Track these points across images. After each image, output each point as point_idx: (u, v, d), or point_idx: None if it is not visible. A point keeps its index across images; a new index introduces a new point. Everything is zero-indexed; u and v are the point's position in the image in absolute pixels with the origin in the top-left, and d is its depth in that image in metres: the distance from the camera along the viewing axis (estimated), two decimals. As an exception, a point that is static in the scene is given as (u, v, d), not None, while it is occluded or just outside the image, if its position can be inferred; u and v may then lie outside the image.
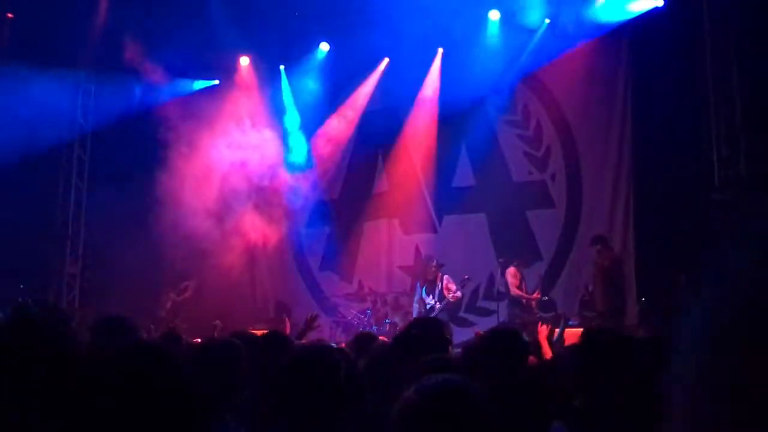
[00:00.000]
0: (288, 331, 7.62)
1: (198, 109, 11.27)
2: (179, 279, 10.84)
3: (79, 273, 11.57)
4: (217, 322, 8.07)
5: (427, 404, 1.61)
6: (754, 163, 8.59)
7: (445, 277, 9.46)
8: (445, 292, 9.33)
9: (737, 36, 8.83)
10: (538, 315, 8.90)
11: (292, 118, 12.02)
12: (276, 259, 12.22)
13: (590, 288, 9.15)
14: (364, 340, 3.87)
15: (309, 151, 11.90)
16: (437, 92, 11.38)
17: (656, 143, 9.36)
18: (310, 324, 5.49)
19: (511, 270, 9.31)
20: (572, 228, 10.32)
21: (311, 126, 11.99)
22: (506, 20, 10.76)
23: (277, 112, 11.98)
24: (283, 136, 11.86)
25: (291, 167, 11.75)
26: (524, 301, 9.23)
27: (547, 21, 10.47)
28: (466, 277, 9.63)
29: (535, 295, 9.34)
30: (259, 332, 9.54)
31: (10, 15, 10.79)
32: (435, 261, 9.77)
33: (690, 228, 9.10)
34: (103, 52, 10.78)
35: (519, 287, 9.25)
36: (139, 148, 10.85)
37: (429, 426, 1.60)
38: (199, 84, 12.10)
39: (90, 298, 11.20)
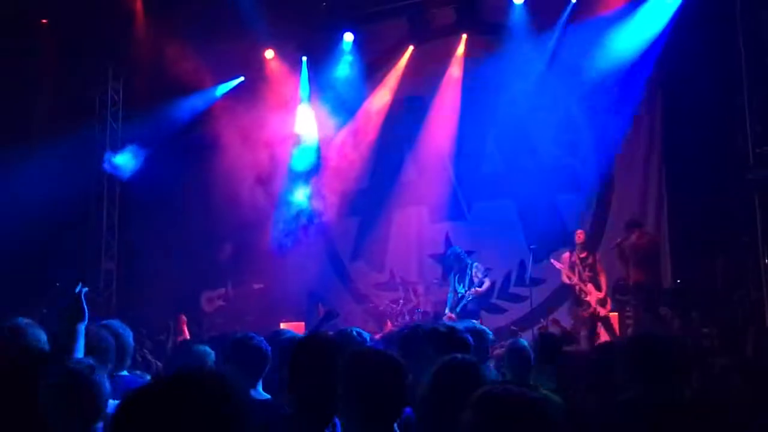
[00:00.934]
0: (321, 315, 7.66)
1: (231, 109, 11.44)
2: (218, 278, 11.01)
3: (115, 269, 11.78)
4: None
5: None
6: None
7: (475, 265, 9.42)
8: (475, 280, 9.31)
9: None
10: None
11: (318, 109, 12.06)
12: (307, 250, 12.30)
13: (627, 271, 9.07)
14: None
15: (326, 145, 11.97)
16: (463, 78, 11.28)
17: (688, 123, 9.17)
18: (328, 318, 5.53)
19: (564, 256, 9.26)
20: (603, 213, 10.19)
21: (339, 116, 12.04)
22: (531, 3, 10.62)
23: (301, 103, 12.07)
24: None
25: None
26: (576, 289, 9.16)
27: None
28: (490, 267, 9.61)
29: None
30: (295, 324, 9.70)
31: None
32: (461, 250, 9.74)
33: (724, 209, 8.95)
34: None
35: (569, 276, 9.15)
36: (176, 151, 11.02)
37: None
38: (225, 87, 12.18)
39: (127, 295, 11.40)
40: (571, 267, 9.09)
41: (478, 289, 9.21)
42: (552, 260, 9.36)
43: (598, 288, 8.97)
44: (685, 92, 9.27)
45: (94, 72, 11.54)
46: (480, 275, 9.31)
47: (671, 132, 9.53)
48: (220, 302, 11.05)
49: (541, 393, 2.25)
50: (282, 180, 11.85)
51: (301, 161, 11.89)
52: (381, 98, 11.76)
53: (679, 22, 9.49)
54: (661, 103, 9.84)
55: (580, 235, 9.17)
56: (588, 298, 9.02)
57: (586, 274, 9.02)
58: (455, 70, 11.36)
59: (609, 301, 9.00)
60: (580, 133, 10.45)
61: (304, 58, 12.09)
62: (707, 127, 8.91)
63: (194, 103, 11.62)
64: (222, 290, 11.23)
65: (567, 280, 9.16)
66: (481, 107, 11.17)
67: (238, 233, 11.59)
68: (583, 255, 9.10)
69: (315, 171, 12.01)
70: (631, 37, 9.96)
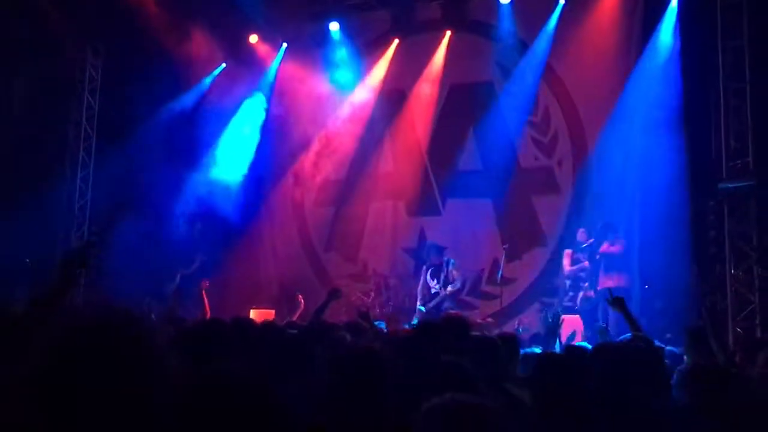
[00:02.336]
0: (302, 307, 7.64)
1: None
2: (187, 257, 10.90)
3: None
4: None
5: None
6: (762, 156, 8.62)
7: (451, 262, 9.48)
8: (450, 279, 9.37)
9: (749, 25, 8.80)
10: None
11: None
12: (280, 238, 12.29)
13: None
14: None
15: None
16: (445, 75, 11.33)
17: (665, 131, 9.32)
18: (331, 298, 5.51)
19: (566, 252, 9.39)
20: (577, 215, 10.34)
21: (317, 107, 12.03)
22: (517, 4, 10.69)
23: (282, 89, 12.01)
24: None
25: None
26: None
27: (562, 2, 10.40)
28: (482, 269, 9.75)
29: None
30: (264, 312, 9.65)
31: None
32: (438, 245, 9.80)
33: (696, 218, 9.15)
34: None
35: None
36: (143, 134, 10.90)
37: None
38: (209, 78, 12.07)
39: (95, 278, 11.23)
40: (574, 263, 9.23)
41: (451, 288, 9.28)
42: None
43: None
44: (663, 100, 9.44)
45: (72, 50, 11.34)
46: (456, 273, 9.38)
47: (648, 139, 9.67)
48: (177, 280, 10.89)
49: None
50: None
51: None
52: (364, 89, 11.75)
53: (661, 30, 9.67)
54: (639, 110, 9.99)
55: (581, 234, 9.30)
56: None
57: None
58: (437, 66, 11.39)
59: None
60: (559, 134, 10.57)
61: (284, 45, 12.03)
62: (684, 137, 9.08)
63: (176, 91, 11.50)
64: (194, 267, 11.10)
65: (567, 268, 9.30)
66: (461, 104, 11.26)
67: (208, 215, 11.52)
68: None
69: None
70: (613, 43, 10.13)
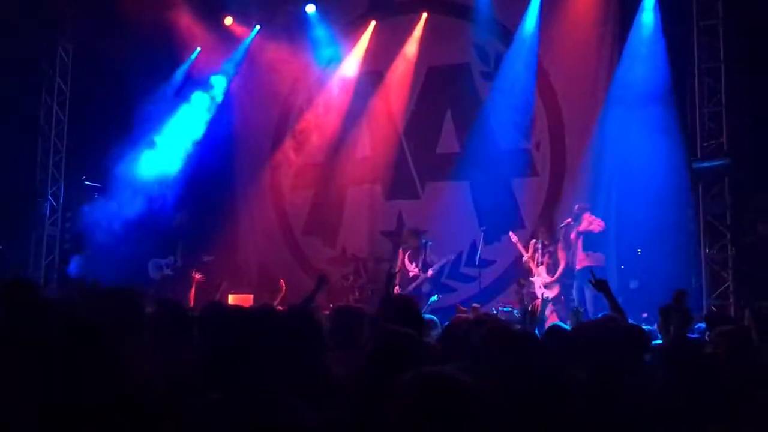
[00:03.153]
0: (283, 291, 7.61)
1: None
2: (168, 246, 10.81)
3: (58, 235, 11.45)
4: (223, 282, 7.95)
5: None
6: (735, 137, 8.73)
7: (429, 245, 9.49)
8: (428, 261, 9.39)
9: (724, 5, 8.87)
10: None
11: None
12: (259, 222, 12.22)
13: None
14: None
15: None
16: (422, 57, 11.27)
17: (641, 112, 9.38)
18: (320, 286, 5.46)
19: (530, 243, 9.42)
20: (554, 197, 10.40)
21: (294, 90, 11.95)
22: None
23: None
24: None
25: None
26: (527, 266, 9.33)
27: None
28: (452, 257, 9.70)
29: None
30: (243, 297, 9.60)
31: None
32: (417, 229, 9.80)
33: (671, 198, 9.25)
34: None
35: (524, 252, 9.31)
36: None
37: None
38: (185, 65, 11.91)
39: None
40: (534, 253, 9.23)
41: (432, 271, 9.31)
42: (511, 233, 9.49)
43: (551, 273, 9.14)
44: (639, 81, 9.49)
45: (42, 33, 11.12)
46: (433, 256, 9.40)
47: (624, 120, 9.72)
48: (168, 271, 10.83)
49: None
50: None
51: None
52: (341, 72, 11.67)
53: (642, 11, 9.71)
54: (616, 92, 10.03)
55: (545, 224, 9.35)
56: (533, 279, 9.21)
57: (545, 259, 9.17)
58: (414, 48, 11.32)
59: (558, 286, 9.17)
60: (537, 117, 10.59)
61: (257, 27, 11.89)
62: (659, 117, 9.14)
63: (150, 74, 11.33)
64: (170, 258, 11.03)
65: (524, 253, 9.32)
66: (438, 87, 11.23)
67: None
68: (546, 242, 9.26)
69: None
70: (591, 24, 10.16)
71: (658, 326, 4.74)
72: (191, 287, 8.09)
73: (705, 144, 8.97)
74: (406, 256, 9.60)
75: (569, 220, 9.11)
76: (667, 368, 3.20)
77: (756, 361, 3.55)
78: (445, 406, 1.64)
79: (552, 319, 8.60)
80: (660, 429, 2.78)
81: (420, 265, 9.43)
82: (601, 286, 5.14)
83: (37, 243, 11.18)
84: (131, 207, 10.43)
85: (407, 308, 3.67)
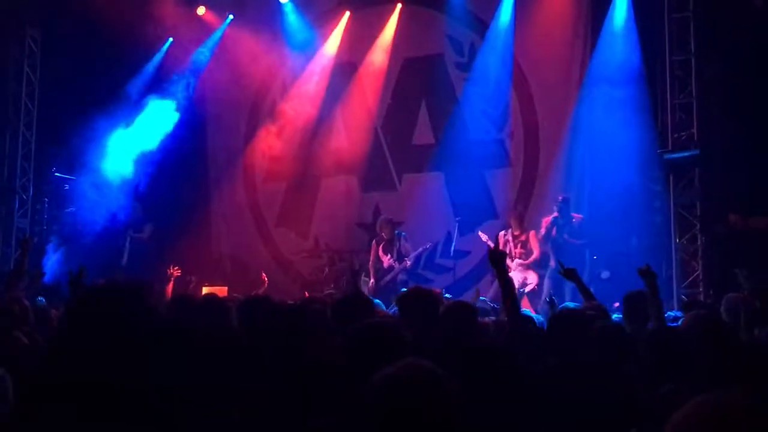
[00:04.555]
0: (266, 285, 7.63)
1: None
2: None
3: (28, 227, 11.26)
4: (192, 277, 7.92)
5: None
6: (706, 128, 8.84)
7: (403, 236, 9.49)
8: (403, 252, 9.39)
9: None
10: None
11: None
12: (231, 214, 12.14)
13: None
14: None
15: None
16: (397, 48, 11.25)
17: (613, 103, 9.45)
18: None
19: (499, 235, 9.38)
20: (528, 188, 10.45)
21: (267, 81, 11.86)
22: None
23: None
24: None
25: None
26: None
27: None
28: (429, 245, 9.70)
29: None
30: (217, 289, 9.54)
31: None
32: (391, 220, 9.79)
33: (643, 189, 9.36)
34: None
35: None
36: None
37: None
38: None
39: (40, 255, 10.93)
40: (505, 245, 9.22)
41: (408, 261, 9.31)
42: (480, 232, 9.51)
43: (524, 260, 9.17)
44: (612, 73, 9.56)
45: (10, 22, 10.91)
46: (408, 247, 9.40)
47: (596, 111, 9.79)
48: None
49: None
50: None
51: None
52: (315, 63, 11.60)
53: (615, 3, 9.78)
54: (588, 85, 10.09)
55: (513, 215, 9.35)
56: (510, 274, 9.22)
57: (518, 251, 9.19)
58: (388, 39, 11.29)
59: (536, 276, 9.19)
60: (511, 108, 10.63)
61: (230, 16, 11.78)
62: (632, 109, 9.22)
63: (122, 64, 11.19)
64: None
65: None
66: (414, 78, 11.22)
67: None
68: (516, 233, 9.28)
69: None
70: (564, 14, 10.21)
71: (623, 314, 4.78)
72: (169, 282, 8.01)
73: (676, 135, 9.07)
74: (380, 248, 9.59)
75: (555, 213, 9.03)
76: (651, 353, 3.23)
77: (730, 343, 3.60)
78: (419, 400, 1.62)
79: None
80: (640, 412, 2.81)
81: (395, 256, 9.42)
82: (569, 274, 5.21)
83: (6, 236, 10.99)
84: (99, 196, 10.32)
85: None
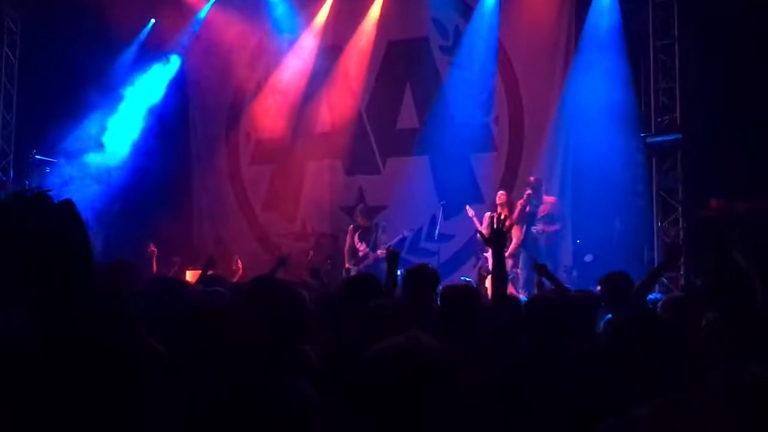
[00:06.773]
0: (240, 272, 7.54)
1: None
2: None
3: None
4: (177, 258, 7.84)
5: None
6: (688, 112, 8.88)
7: (381, 226, 9.50)
8: (378, 243, 9.41)
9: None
10: None
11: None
12: (215, 197, 12.08)
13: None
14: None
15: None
16: (381, 31, 11.18)
17: (597, 86, 9.47)
18: (277, 267, 5.53)
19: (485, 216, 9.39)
20: (513, 172, 10.47)
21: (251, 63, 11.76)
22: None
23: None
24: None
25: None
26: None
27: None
28: (408, 233, 9.69)
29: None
30: (197, 273, 9.47)
31: None
32: (370, 209, 9.78)
33: (625, 173, 9.40)
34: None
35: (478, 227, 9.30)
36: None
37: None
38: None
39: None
40: (489, 227, 9.19)
41: (381, 251, 9.32)
42: (468, 207, 9.51)
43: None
44: (597, 56, 9.57)
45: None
46: (384, 236, 9.44)
47: (580, 94, 9.80)
48: None
49: None
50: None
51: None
52: (300, 46, 11.52)
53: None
54: (572, 69, 10.10)
55: (501, 197, 9.31)
56: (487, 255, 9.25)
57: None
58: (373, 22, 11.22)
59: (510, 261, 9.21)
60: (496, 92, 10.62)
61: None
62: (614, 94, 9.24)
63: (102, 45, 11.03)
64: None
65: (479, 226, 9.33)
66: (398, 61, 11.17)
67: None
68: (502, 216, 9.24)
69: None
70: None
71: (602, 297, 4.80)
72: (152, 260, 7.92)
73: (659, 119, 9.12)
74: (356, 235, 9.60)
75: (529, 191, 9.02)
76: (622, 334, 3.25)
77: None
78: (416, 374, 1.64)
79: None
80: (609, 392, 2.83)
81: (370, 244, 9.44)
82: (541, 271, 5.29)
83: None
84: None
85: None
